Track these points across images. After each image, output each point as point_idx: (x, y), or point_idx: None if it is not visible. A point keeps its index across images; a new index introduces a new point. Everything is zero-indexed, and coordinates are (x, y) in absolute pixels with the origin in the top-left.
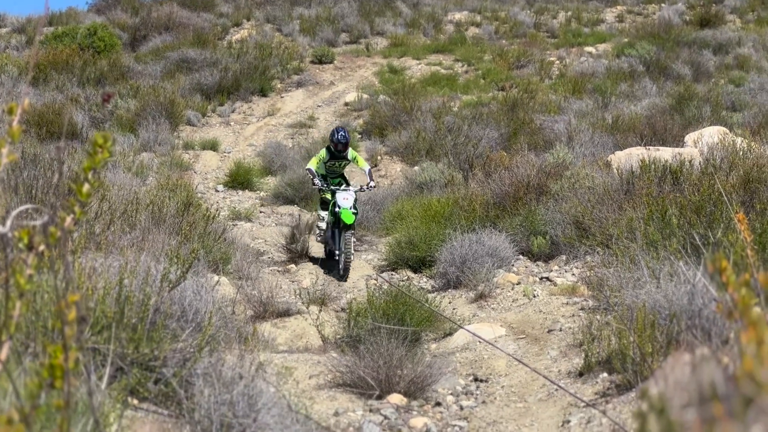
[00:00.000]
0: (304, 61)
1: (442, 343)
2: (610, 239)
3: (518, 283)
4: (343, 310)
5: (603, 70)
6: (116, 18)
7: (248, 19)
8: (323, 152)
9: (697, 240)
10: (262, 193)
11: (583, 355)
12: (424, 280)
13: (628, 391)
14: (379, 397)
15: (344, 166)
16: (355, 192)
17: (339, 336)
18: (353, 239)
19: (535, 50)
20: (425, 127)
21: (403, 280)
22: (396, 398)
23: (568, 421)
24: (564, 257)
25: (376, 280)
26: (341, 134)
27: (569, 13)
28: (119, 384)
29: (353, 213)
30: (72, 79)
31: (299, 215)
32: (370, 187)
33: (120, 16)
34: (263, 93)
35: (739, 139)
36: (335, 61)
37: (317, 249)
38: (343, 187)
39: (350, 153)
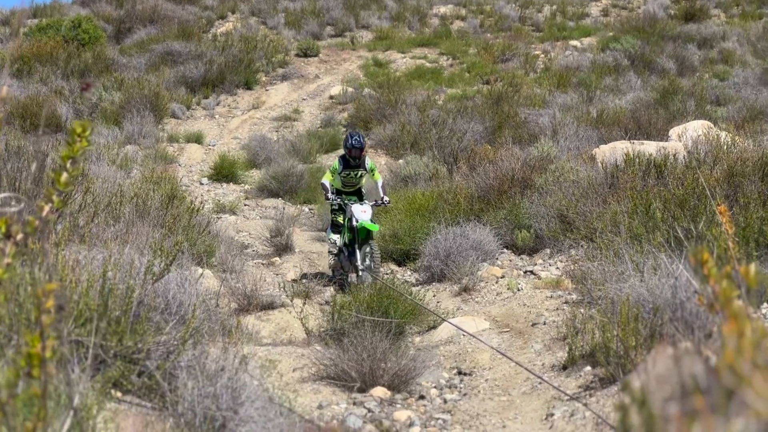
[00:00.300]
0: (289, 55)
1: (426, 337)
2: (594, 233)
3: (502, 277)
4: (327, 303)
5: (588, 64)
6: (101, 10)
7: (233, 12)
8: (336, 163)
9: (681, 234)
10: (246, 186)
11: (566, 348)
12: (409, 273)
13: (612, 385)
14: (363, 390)
15: (361, 177)
16: (372, 207)
17: (323, 329)
18: (376, 247)
19: (520, 44)
20: (410, 120)
21: (387, 274)
22: (380, 391)
23: (552, 415)
24: (548, 251)
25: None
26: (355, 138)
27: (554, 6)
28: (102, 377)
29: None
30: (56, 72)
31: (284, 208)
32: (385, 202)
33: (104, 8)
34: (248, 86)
35: (723, 134)
36: (320, 55)
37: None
38: (352, 200)
39: (368, 162)
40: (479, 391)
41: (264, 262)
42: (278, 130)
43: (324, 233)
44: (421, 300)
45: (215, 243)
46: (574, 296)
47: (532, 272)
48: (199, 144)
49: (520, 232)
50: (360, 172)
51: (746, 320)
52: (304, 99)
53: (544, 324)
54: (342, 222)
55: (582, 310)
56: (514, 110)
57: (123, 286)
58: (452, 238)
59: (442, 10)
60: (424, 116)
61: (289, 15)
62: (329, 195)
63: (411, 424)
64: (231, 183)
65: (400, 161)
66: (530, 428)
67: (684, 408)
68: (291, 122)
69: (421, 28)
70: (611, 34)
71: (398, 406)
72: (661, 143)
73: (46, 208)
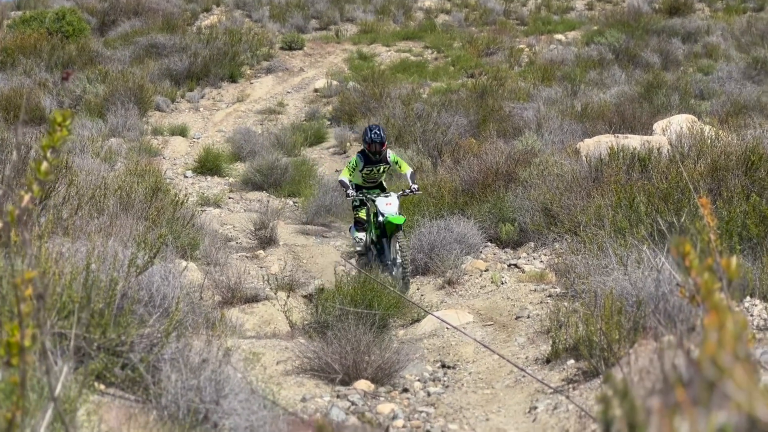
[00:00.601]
0: (273, 48)
1: (409, 330)
2: (578, 226)
3: (486, 270)
4: (311, 296)
5: (572, 58)
6: (85, 2)
7: (218, 5)
8: (355, 159)
9: (665, 227)
10: (231, 179)
11: (550, 341)
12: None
13: (595, 378)
14: (347, 383)
15: (383, 172)
16: (398, 197)
17: (307, 322)
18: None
19: (504, 38)
20: (394, 113)
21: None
22: (363, 384)
23: (535, 408)
24: (532, 244)
25: (345, 266)
26: (375, 132)
27: (539, 0)
28: (85, 369)
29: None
30: (40, 64)
31: (268, 201)
32: (414, 190)
33: (89, 0)
34: (233, 79)
35: (707, 128)
36: (305, 48)
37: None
38: (374, 195)
39: (390, 155)
40: (463, 384)
41: (248, 255)
42: (263, 123)
43: (309, 226)
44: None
45: (199, 236)
46: (557, 289)
47: (516, 265)
48: (183, 137)
49: (504, 225)
50: (382, 168)
51: (727, 312)
52: (288, 92)
53: (528, 317)
54: (366, 218)
55: (565, 304)
56: (498, 104)
57: (106, 279)
58: (436, 231)
59: (427, 3)
60: (409, 110)
61: (274, 8)
62: (350, 192)
63: (394, 417)
64: (215, 176)
65: None
66: (513, 421)
67: (666, 400)
68: (276, 115)
69: (406, 21)
70: (596, 28)
71: (382, 399)
72: (646, 137)
73: (27, 197)
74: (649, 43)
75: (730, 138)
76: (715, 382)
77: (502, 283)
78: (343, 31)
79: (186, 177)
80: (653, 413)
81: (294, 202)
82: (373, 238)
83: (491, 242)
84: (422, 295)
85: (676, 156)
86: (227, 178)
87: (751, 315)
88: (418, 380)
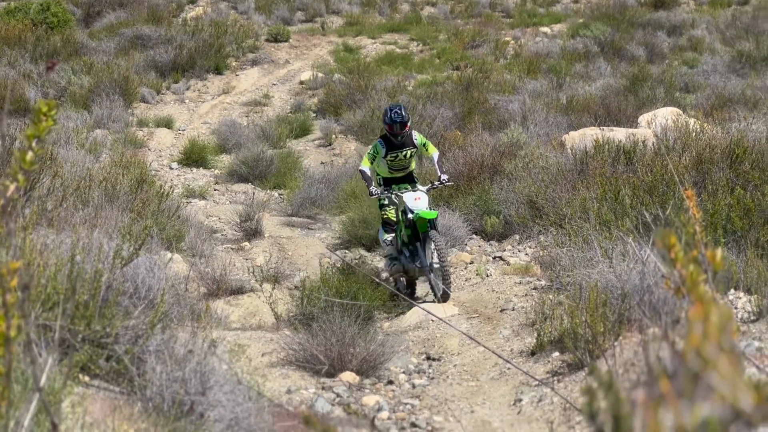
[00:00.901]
0: (259, 40)
1: (394, 322)
2: (563, 219)
3: (471, 263)
4: (296, 288)
5: (558, 51)
6: None
7: None
8: (376, 145)
9: (650, 220)
10: (216, 171)
11: (535, 334)
12: (377, 258)
13: (580, 370)
14: (332, 375)
15: (411, 157)
16: (426, 191)
17: (292, 314)
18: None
19: (490, 30)
20: (380, 106)
21: (356, 259)
22: (348, 376)
23: (520, 400)
24: (517, 237)
25: (330, 258)
26: (395, 112)
27: None
28: (70, 360)
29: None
30: (24, 55)
31: (253, 193)
32: (443, 182)
33: None
34: (218, 71)
35: (692, 121)
36: (290, 40)
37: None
38: (403, 189)
39: (416, 137)
40: (448, 377)
41: (233, 246)
42: (248, 115)
43: (295, 218)
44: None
45: (184, 228)
46: (542, 282)
47: (501, 258)
48: (168, 129)
49: (490, 218)
50: (409, 152)
51: (713, 304)
52: (274, 84)
53: (513, 310)
54: (395, 218)
55: (550, 296)
56: (483, 96)
57: (91, 271)
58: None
59: None
60: (394, 102)
61: (260, 0)
62: (373, 189)
63: (379, 409)
64: (201, 168)
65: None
66: (498, 413)
67: (650, 392)
68: (261, 107)
69: (392, 13)
70: (581, 20)
71: (367, 391)
72: (631, 130)
73: (12, 187)
74: (635, 36)
75: (714, 131)
76: (700, 374)
77: (487, 276)
78: (329, 24)
79: (171, 169)
80: (638, 405)
81: (279, 194)
82: (404, 239)
83: (476, 235)
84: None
85: (662, 149)
86: (213, 170)
87: (736, 308)
88: (403, 372)
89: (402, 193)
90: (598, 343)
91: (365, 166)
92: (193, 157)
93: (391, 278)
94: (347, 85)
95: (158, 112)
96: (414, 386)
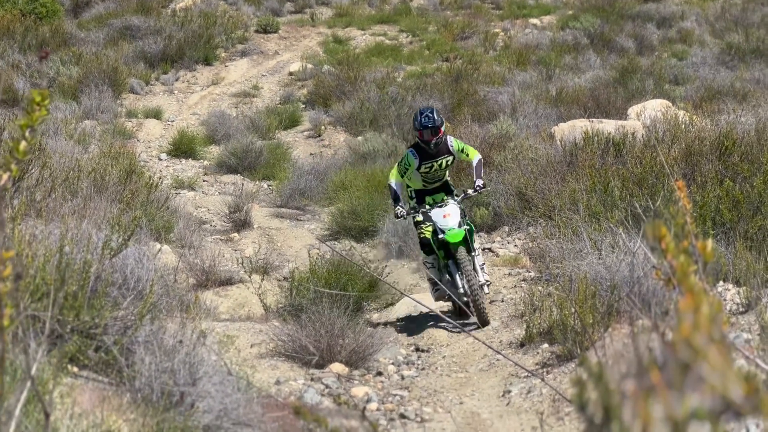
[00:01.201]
0: (248, 31)
1: (383, 313)
2: (552, 210)
3: None
4: (285, 279)
5: (547, 43)
6: None
7: None
8: (407, 157)
9: (639, 211)
10: (205, 162)
11: (524, 325)
12: (367, 249)
13: (569, 362)
14: (321, 366)
15: (448, 166)
16: (458, 203)
17: (281, 305)
18: (479, 260)
19: (479, 22)
20: (369, 97)
21: (345, 250)
22: (337, 367)
23: (509, 391)
24: (507, 228)
25: (319, 249)
26: (426, 116)
27: None
28: (59, 351)
29: (464, 229)
30: (13, 46)
31: (242, 184)
32: (478, 188)
33: None
34: (207, 62)
35: (681, 113)
36: (280, 31)
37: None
38: (438, 202)
39: (452, 142)
40: (437, 368)
41: (222, 237)
42: (237, 107)
43: (284, 209)
44: (380, 274)
45: (174, 218)
46: (532, 274)
47: (490, 250)
48: (157, 119)
49: (479, 209)
50: (445, 161)
51: (703, 295)
52: (263, 75)
53: (502, 301)
54: (431, 236)
55: (540, 288)
56: (473, 88)
57: (80, 261)
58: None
59: None
60: (384, 93)
61: None
62: (398, 209)
63: (369, 400)
64: (190, 159)
65: (359, 138)
66: (487, 404)
67: (640, 383)
68: (250, 98)
69: (381, 5)
70: (571, 12)
71: (356, 382)
72: (620, 122)
73: (5, 177)
74: (624, 28)
75: (704, 123)
76: (690, 365)
77: None
78: (318, 15)
79: (160, 160)
80: (628, 396)
81: (268, 185)
82: (441, 262)
83: None
84: (396, 279)
85: (651, 141)
86: (202, 161)
87: (725, 299)
88: (392, 363)
89: (430, 210)
90: (587, 334)
91: (394, 180)
92: (182, 148)
93: (435, 297)
94: (336, 77)
95: (147, 103)
96: (403, 377)
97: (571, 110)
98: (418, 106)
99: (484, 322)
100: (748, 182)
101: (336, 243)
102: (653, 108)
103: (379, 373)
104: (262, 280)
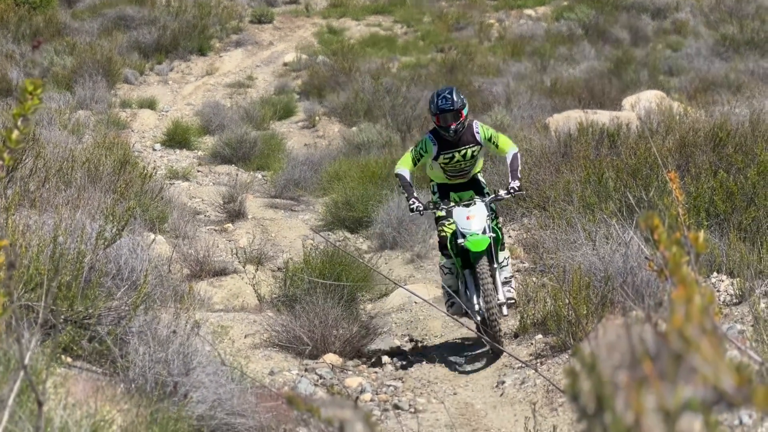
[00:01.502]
0: (243, 21)
1: (378, 304)
2: (546, 201)
3: None
4: (279, 269)
5: (542, 33)
6: None
7: None
8: (425, 141)
9: (633, 202)
10: (199, 153)
11: (518, 316)
12: (361, 240)
13: (563, 352)
14: (315, 357)
15: (474, 157)
16: (487, 203)
17: (275, 295)
18: (505, 274)
19: (474, 12)
20: (364, 88)
21: (339, 241)
22: (331, 358)
23: (503, 382)
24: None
25: (313, 239)
26: (444, 97)
27: None
28: (53, 341)
29: (490, 236)
30: (7, 35)
31: (237, 175)
32: (512, 191)
33: None
34: (202, 52)
35: (675, 104)
36: (274, 21)
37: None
38: (465, 200)
39: (479, 129)
40: (431, 359)
41: (217, 228)
42: (232, 97)
43: (278, 200)
44: (374, 265)
45: (168, 209)
46: (526, 265)
47: None
48: (152, 110)
49: None
50: (469, 151)
51: (695, 286)
52: (258, 66)
53: None
54: (450, 240)
55: (534, 279)
56: (468, 79)
57: (74, 251)
58: (405, 205)
59: None
60: (378, 84)
61: None
62: (412, 203)
63: (362, 391)
64: (184, 149)
65: (354, 129)
66: (481, 395)
67: (633, 374)
68: (245, 89)
69: None
70: (565, 3)
71: (350, 372)
72: (615, 113)
73: None
74: (619, 19)
75: (698, 114)
76: (682, 356)
77: None
78: (313, 5)
79: (154, 150)
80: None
81: (263, 176)
82: (459, 269)
83: None
84: (390, 270)
85: (645, 132)
86: (196, 151)
87: (718, 291)
88: (386, 354)
89: (452, 207)
90: (581, 325)
91: (402, 169)
92: (177, 139)
93: (450, 309)
94: (331, 67)
95: (141, 93)
96: (397, 368)
97: (565, 101)
98: (412, 97)
99: (497, 348)
100: (742, 173)
101: (330, 233)
102: (648, 99)
103: (373, 364)
104: (256, 270)
